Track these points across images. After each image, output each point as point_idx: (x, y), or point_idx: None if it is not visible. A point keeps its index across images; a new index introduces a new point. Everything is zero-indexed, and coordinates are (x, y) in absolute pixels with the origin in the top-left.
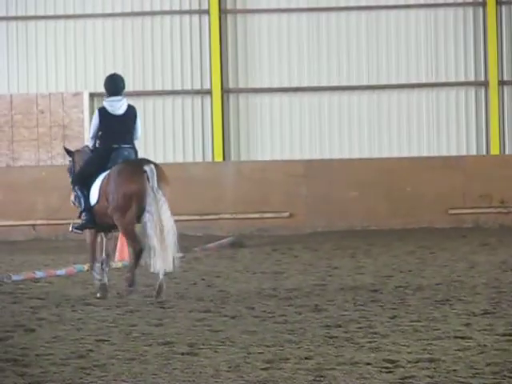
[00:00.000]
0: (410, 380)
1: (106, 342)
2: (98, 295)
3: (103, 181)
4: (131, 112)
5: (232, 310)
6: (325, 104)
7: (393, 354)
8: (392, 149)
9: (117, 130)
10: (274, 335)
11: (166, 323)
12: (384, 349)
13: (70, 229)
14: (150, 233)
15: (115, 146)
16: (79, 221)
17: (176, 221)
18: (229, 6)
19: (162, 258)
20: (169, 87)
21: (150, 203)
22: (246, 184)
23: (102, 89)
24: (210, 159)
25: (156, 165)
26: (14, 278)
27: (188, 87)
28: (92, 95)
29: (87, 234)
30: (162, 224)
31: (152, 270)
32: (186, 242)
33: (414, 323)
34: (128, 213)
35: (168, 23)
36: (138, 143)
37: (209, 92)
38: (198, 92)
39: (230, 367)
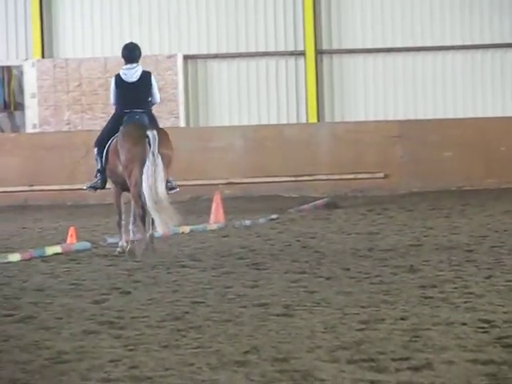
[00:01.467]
0: (506, 340)
1: (202, 304)
2: (127, 255)
3: (111, 143)
4: (145, 78)
5: (327, 271)
6: (419, 64)
7: (488, 313)
8: (486, 108)
9: (130, 96)
10: (370, 296)
11: (261, 285)
12: (479, 309)
13: (85, 187)
14: (144, 194)
15: (127, 110)
16: (94, 180)
17: (271, 182)
18: None
19: (160, 218)
20: (262, 49)
21: (148, 166)
22: (340, 145)
23: (196, 51)
24: (304, 121)
25: (159, 131)
26: (110, 240)
27: (282, 49)
28: (186, 57)
29: (112, 193)
30: (156, 186)
31: (154, 229)
32: (280, 203)
33: (510, 283)
34: (132, 174)
35: None
36: (157, 107)
37: (303, 53)
38: (291, 53)
39: (325, 328)
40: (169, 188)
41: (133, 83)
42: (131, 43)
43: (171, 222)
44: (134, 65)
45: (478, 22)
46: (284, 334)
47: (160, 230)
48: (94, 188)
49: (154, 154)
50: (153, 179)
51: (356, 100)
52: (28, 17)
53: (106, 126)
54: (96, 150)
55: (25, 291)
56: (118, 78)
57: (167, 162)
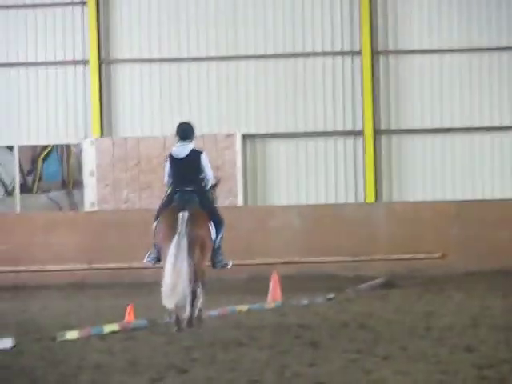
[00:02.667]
0: None
1: (259, 383)
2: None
3: (158, 221)
4: (194, 155)
5: (384, 351)
6: (477, 144)
7: None
8: None
9: (180, 174)
10: (427, 376)
11: (319, 364)
12: None
13: (145, 260)
14: (166, 271)
15: (178, 189)
16: (152, 253)
17: (328, 262)
18: (380, 48)
19: (170, 298)
20: (321, 128)
21: (173, 245)
22: (397, 224)
23: (254, 130)
24: (361, 200)
25: (195, 212)
26: (167, 319)
27: (340, 128)
28: (244, 136)
29: None
30: (178, 271)
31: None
32: (337, 282)
33: None
34: (164, 250)
35: (320, 64)
36: (210, 183)
37: (361, 133)
38: (350, 133)
39: None
40: (219, 266)
41: (181, 160)
42: (185, 122)
43: (172, 302)
44: (186, 142)
45: None
46: None
47: (166, 304)
48: (150, 261)
49: (179, 235)
50: (175, 258)
51: (414, 179)
52: (87, 96)
53: (161, 204)
54: (154, 225)
55: (82, 369)
56: (170, 155)
57: (200, 242)
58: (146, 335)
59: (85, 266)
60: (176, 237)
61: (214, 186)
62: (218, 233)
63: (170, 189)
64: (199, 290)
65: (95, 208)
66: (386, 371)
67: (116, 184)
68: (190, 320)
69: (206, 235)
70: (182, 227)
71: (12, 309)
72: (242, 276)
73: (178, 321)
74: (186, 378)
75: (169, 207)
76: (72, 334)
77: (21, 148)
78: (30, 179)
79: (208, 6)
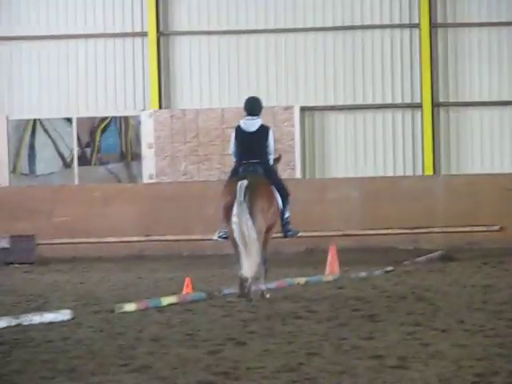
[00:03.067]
0: None
1: (317, 356)
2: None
3: (222, 194)
4: (263, 130)
5: (442, 324)
6: None
7: None
8: None
9: (248, 146)
10: (484, 349)
11: (377, 337)
12: None
13: (215, 237)
14: (236, 241)
15: (244, 161)
16: (223, 229)
17: (386, 234)
18: (439, 20)
19: (247, 264)
20: (379, 101)
21: (235, 214)
22: (456, 197)
23: (313, 102)
24: (420, 173)
25: (253, 180)
26: (225, 291)
27: (398, 101)
28: (303, 109)
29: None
30: (244, 234)
31: (240, 273)
32: (395, 255)
33: None
34: (228, 222)
35: (379, 37)
36: (272, 157)
37: (419, 106)
38: (408, 106)
39: (440, 381)
40: (290, 235)
41: (250, 133)
42: (253, 97)
43: (252, 270)
44: (255, 117)
45: None
46: None
47: (245, 273)
48: (223, 237)
49: (239, 203)
50: (240, 227)
51: (472, 152)
52: (146, 68)
53: (229, 175)
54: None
55: (140, 341)
56: (238, 128)
57: (261, 209)
58: (204, 308)
59: (143, 238)
60: (235, 205)
61: (275, 161)
62: (284, 203)
63: (237, 161)
64: (262, 261)
65: (153, 180)
66: (443, 344)
67: (174, 156)
68: (263, 292)
69: (267, 201)
70: (240, 195)
71: (70, 281)
72: (300, 248)
73: (248, 292)
74: (244, 350)
75: (231, 179)
76: (130, 307)
77: (79, 120)
78: (88, 151)
79: None
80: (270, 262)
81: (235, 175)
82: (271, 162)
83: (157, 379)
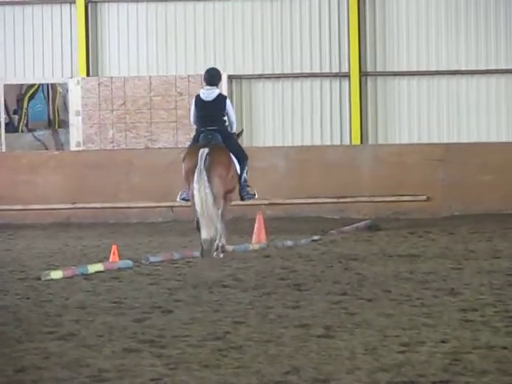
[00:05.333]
0: None
1: (243, 324)
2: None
3: (183, 160)
4: (221, 99)
5: (368, 293)
6: (463, 88)
7: None
8: None
9: (206, 114)
10: (410, 318)
11: (303, 305)
12: None
13: (178, 199)
14: (196, 206)
15: (202, 129)
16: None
17: (313, 203)
18: None
19: (205, 227)
20: (307, 70)
21: (195, 181)
22: (383, 167)
23: (240, 71)
24: (347, 142)
25: (216, 148)
26: (152, 259)
27: (326, 70)
28: (230, 77)
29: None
30: (202, 200)
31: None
32: (322, 224)
33: None
34: (190, 186)
35: (306, 5)
36: (235, 125)
37: (347, 75)
38: (336, 75)
39: (365, 350)
40: (247, 198)
41: (209, 102)
42: (213, 68)
43: (210, 232)
44: (213, 87)
45: None
46: (324, 356)
47: (203, 235)
48: (185, 200)
49: (199, 170)
50: (199, 192)
51: (400, 123)
52: (74, 35)
53: (190, 142)
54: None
55: (66, 309)
56: (198, 97)
57: (218, 174)
58: (131, 276)
59: (69, 206)
60: (196, 172)
61: (238, 135)
62: (242, 168)
63: (196, 129)
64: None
65: (81, 148)
66: (369, 313)
67: (102, 124)
68: (218, 247)
69: (226, 168)
70: (201, 162)
71: None
72: (227, 217)
73: (207, 252)
74: (171, 318)
75: (192, 146)
76: (57, 274)
77: (6, 87)
78: (15, 118)
79: None
80: (189, 232)
81: (196, 142)
82: (232, 129)
83: (83, 347)
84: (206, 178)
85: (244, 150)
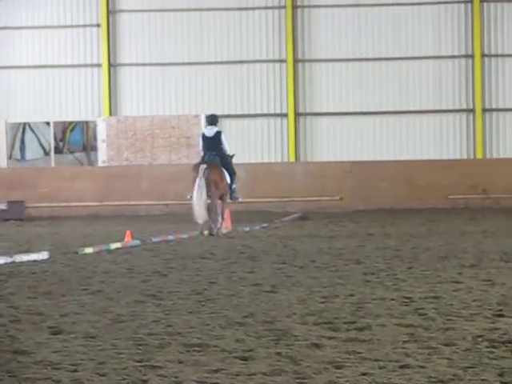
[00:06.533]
0: (421, 310)
1: (215, 284)
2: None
3: (193, 172)
4: (218, 134)
5: (300, 262)
6: (364, 124)
7: (409, 292)
8: (412, 152)
9: (209, 145)
10: (329, 279)
11: (256, 271)
12: (403, 289)
13: (188, 197)
14: (194, 202)
15: (207, 153)
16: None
17: (264, 202)
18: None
19: (198, 215)
20: (258, 111)
21: (196, 185)
22: (310, 177)
23: (214, 111)
24: (286, 160)
25: (214, 165)
26: (153, 239)
27: (271, 111)
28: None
29: None
30: (199, 198)
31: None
32: (269, 216)
33: (424, 272)
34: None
35: (258, 68)
36: (228, 151)
37: (286, 115)
38: (278, 115)
39: (298, 301)
40: (234, 199)
41: (211, 137)
42: (212, 114)
43: (202, 218)
44: (213, 126)
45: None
46: (271, 305)
47: (197, 220)
48: (192, 198)
49: (200, 178)
50: (198, 192)
51: (321, 147)
52: (101, 89)
53: (198, 161)
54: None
55: (95, 273)
56: (203, 134)
57: (214, 183)
58: (139, 251)
59: (98, 204)
60: (197, 179)
61: (231, 157)
62: (232, 180)
63: (203, 153)
64: (219, 214)
65: (105, 164)
66: (301, 276)
67: (119, 148)
68: (212, 232)
69: (219, 178)
70: (201, 173)
71: (47, 232)
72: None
73: (202, 232)
74: (166, 279)
75: (198, 163)
76: (89, 250)
77: (55, 123)
78: (61, 144)
79: None
80: (179, 221)
81: (203, 160)
82: (226, 152)
83: (107, 299)
84: (204, 184)
85: (234, 168)
